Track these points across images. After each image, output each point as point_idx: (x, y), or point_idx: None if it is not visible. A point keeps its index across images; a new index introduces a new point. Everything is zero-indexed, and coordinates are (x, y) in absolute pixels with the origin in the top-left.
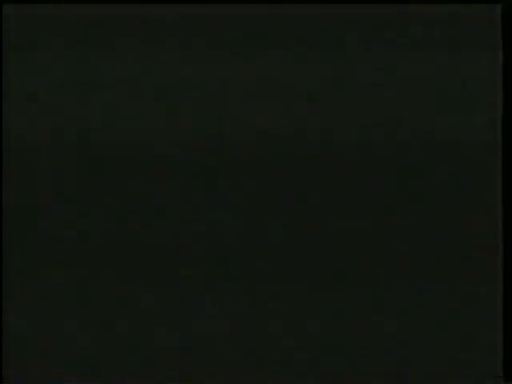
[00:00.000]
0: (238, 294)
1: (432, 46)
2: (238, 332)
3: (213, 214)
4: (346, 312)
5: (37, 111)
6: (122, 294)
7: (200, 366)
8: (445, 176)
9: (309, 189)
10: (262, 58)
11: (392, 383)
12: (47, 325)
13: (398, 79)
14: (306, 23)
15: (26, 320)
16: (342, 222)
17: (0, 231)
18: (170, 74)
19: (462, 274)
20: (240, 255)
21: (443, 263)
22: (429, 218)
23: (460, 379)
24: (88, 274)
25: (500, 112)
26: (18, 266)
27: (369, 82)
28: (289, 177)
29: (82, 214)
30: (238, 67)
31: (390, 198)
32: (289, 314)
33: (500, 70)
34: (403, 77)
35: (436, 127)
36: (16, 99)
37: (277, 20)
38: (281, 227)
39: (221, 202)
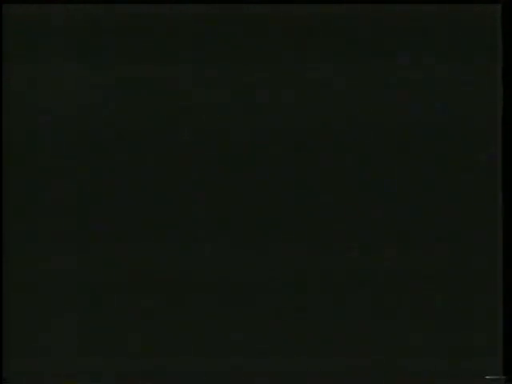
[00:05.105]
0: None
1: (432, 46)
2: None
3: None
4: None
5: (36, 111)
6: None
7: None
8: (444, 172)
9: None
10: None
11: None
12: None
13: (397, 79)
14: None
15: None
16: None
17: (0, 226)
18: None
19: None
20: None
21: (443, 262)
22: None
23: (460, 379)
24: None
25: (500, 112)
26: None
27: (370, 81)
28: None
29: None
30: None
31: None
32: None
33: (500, 70)
34: (403, 77)
35: (436, 126)
36: (16, 98)
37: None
38: None
39: None
